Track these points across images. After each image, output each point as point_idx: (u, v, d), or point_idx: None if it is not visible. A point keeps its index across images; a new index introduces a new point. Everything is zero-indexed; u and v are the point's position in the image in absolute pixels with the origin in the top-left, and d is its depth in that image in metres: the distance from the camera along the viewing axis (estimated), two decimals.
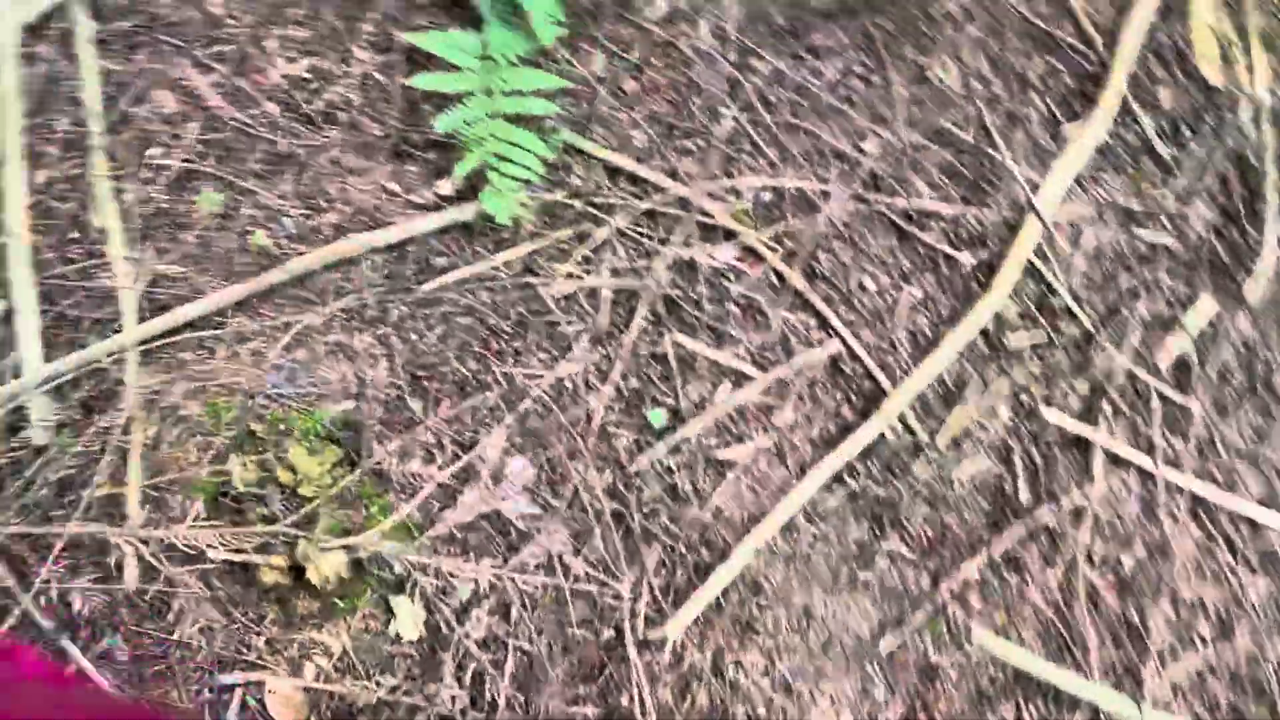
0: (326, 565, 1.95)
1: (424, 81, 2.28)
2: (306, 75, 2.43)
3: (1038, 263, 2.41)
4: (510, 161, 2.28)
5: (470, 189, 2.33)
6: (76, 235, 2.25)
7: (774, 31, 2.58)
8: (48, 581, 1.98)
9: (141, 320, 2.17)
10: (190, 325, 2.18)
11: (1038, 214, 2.41)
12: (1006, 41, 2.61)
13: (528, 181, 2.31)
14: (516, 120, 2.30)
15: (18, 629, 1.96)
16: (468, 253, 2.36)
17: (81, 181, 2.29)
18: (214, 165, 2.34)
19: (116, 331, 2.16)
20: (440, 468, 2.15)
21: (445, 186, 2.41)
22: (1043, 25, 2.61)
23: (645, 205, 2.39)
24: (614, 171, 2.43)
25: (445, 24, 2.43)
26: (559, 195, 2.37)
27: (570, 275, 2.35)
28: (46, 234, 2.24)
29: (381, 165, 2.40)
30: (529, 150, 2.29)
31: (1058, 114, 2.56)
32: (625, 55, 2.52)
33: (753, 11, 2.57)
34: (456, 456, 2.17)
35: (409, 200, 2.38)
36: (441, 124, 2.27)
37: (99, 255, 2.23)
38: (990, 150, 2.50)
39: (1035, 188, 2.46)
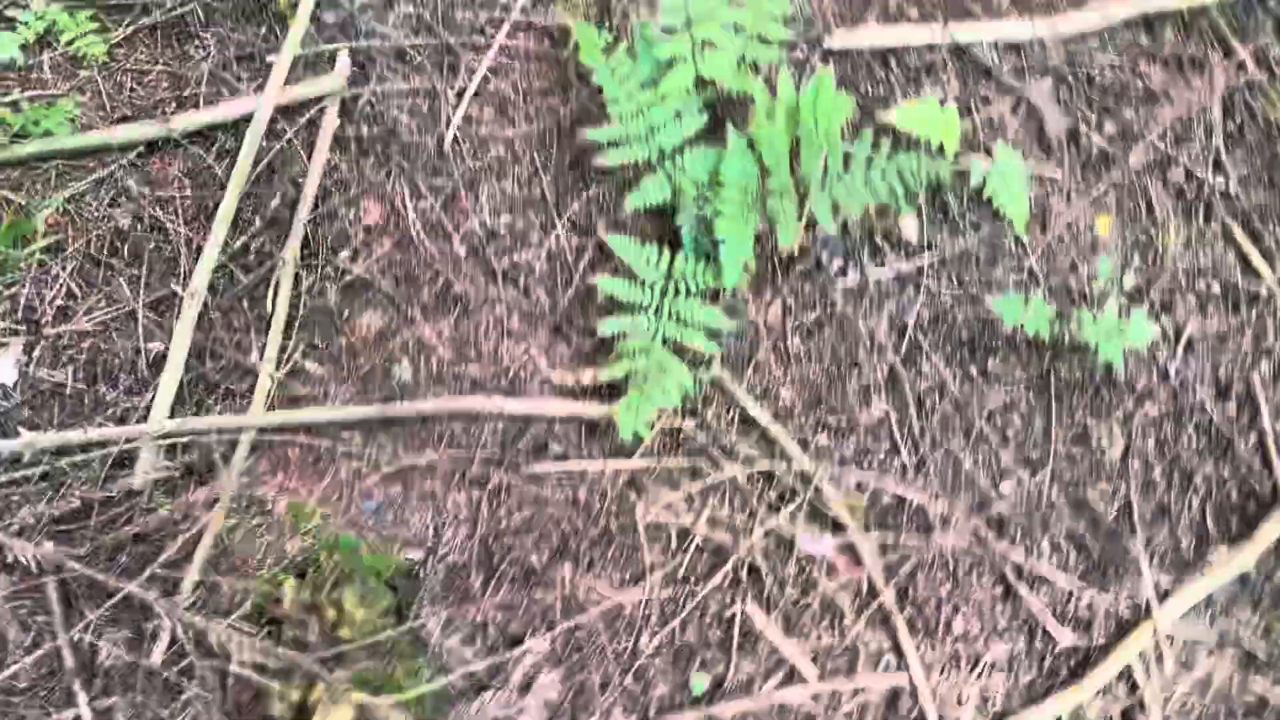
0: (333, 718, 1.95)
1: (605, 283, 2.33)
2: (503, 231, 2.52)
3: (1138, 670, 2.28)
4: (655, 385, 2.29)
5: (609, 388, 2.36)
6: (246, 306, 2.36)
7: (954, 339, 2.55)
8: (88, 626, 2.04)
9: (269, 407, 2.25)
10: (309, 429, 2.25)
11: (1155, 625, 2.28)
12: (1183, 433, 2.51)
13: (664, 407, 2.31)
14: (675, 348, 2.32)
15: (43, 657, 2.02)
16: (583, 448, 2.37)
17: (270, 259, 2.41)
18: (390, 284, 2.44)
19: (243, 410, 2.24)
20: (476, 655, 2.14)
21: (588, 376, 2.44)
22: (1225, 432, 2.50)
23: (766, 466, 2.36)
24: (749, 420, 2.42)
25: (647, 233, 2.49)
26: (689, 425, 2.37)
27: (669, 506, 2.33)
28: (220, 295, 2.35)
29: (538, 336, 2.45)
30: (675, 381, 2.30)
31: (1210, 525, 2.43)
32: (801, 314, 2.52)
33: (937, 313, 2.56)
34: (496, 648, 2.16)
35: (549, 377, 2.42)
36: (605, 326, 2.32)
37: (257, 332, 2.33)
38: (1128, 537, 2.39)
39: (1163, 594, 2.33)
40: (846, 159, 2.37)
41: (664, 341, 2.32)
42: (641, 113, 2.37)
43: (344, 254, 2.46)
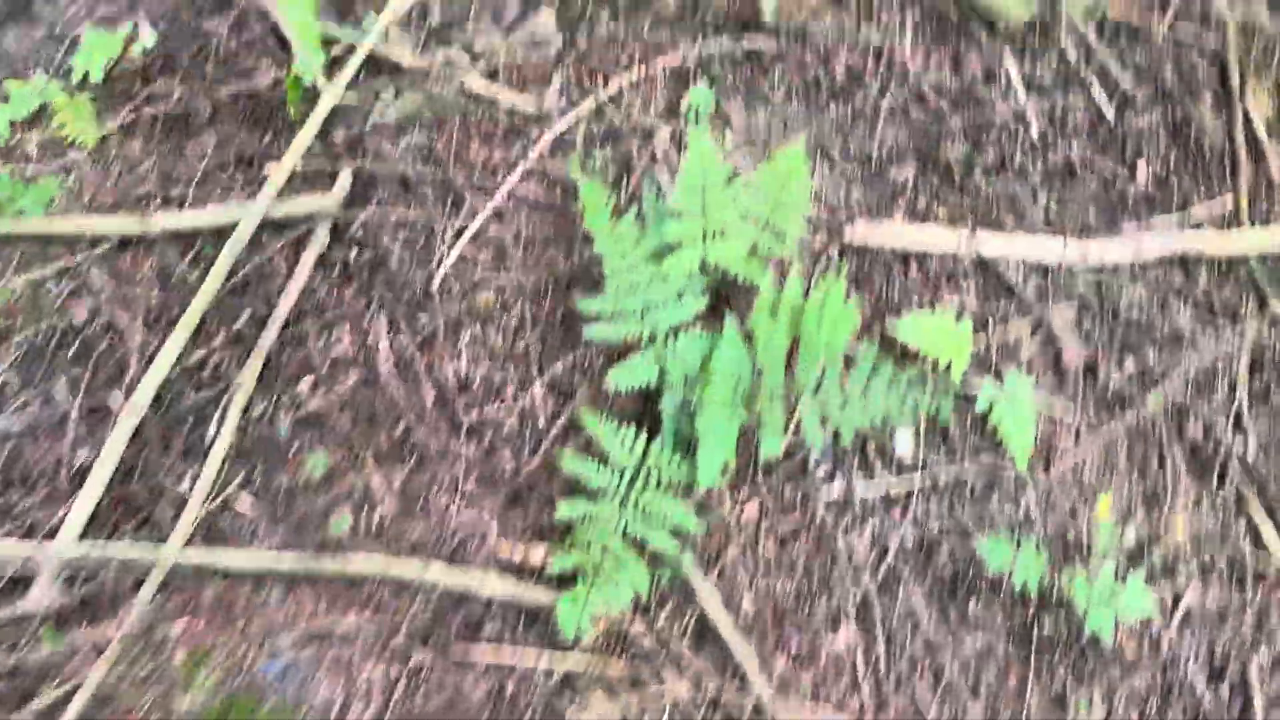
0: None
1: (570, 461, 2.18)
2: (477, 382, 2.38)
3: None
4: (608, 581, 2.12)
5: (558, 577, 2.18)
6: (188, 427, 2.21)
7: (936, 573, 2.37)
8: None
9: (188, 542, 2.08)
10: (227, 574, 2.07)
11: None
12: (1169, 711, 2.31)
13: (612, 607, 2.13)
14: (635, 544, 2.15)
15: None
16: (519, 635, 2.19)
17: (225, 379, 2.26)
18: (347, 423, 2.28)
19: (161, 541, 2.07)
20: None
21: (538, 555, 2.27)
22: (1214, 718, 2.30)
23: (715, 687, 2.17)
24: (705, 627, 2.24)
25: (627, 411, 2.34)
26: (638, 627, 2.18)
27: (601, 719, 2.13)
28: (164, 410, 2.20)
29: (495, 500, 2.29)
30: (630, 581, 2.12)
31: None
32: (778, 519, 2.36)
33: (923, 541, 2.38)
34: None
35: (497, 550, 2.25)
36: (564, 508, 2.15)
37: (194, 457, 2.17)
38: None
39: None
40: (845, 370, 2.23)
41: (625, 535, 2.15)
42: (639, 288, 2.24)
43: (304, 384, 2.31)
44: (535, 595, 2.21)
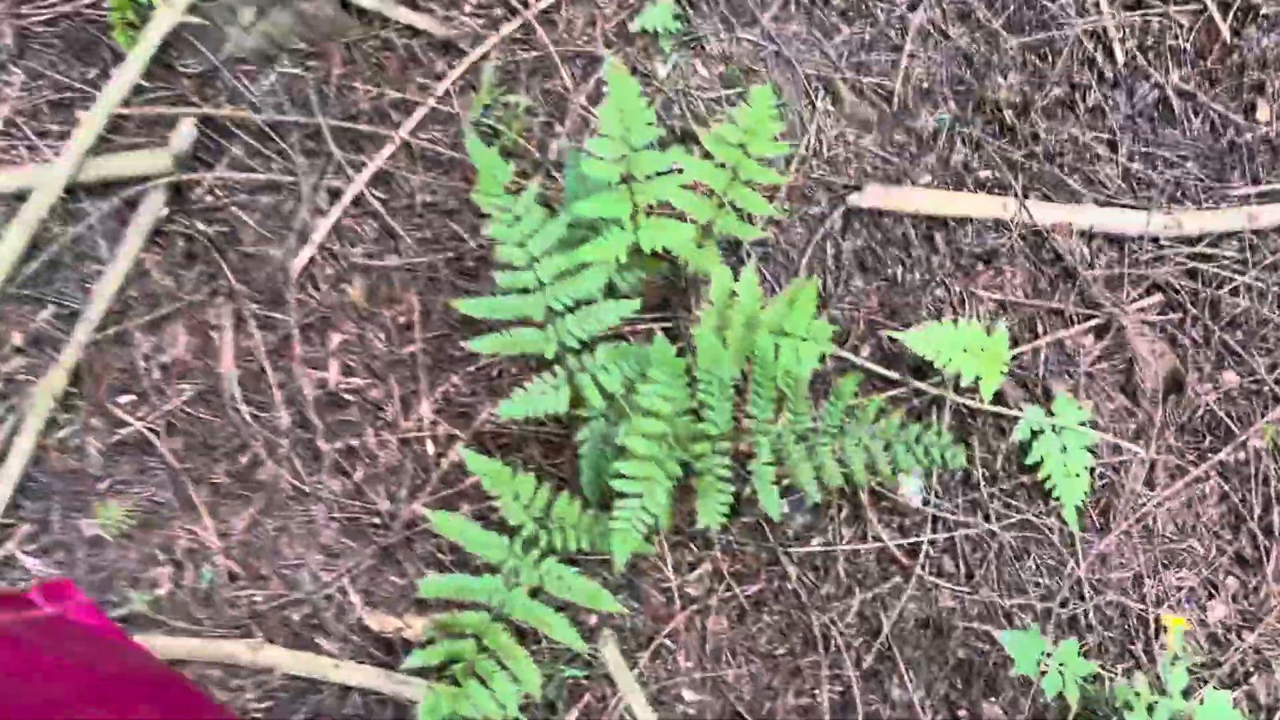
0: None
1: (444, 523, 1.63)
2: (349, 400, 1.83)
3: None
4: (485, 684, 1.58)
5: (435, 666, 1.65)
6: None
7: (943, 661, 1.80)
8: None
9: None
10: None
11: None
12: None
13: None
14: (518, 633, 1.60)
15: None
16: None
17: (20, 390, 1.76)
18: (177, 451, 1.77)
19: None
20: None
21: (416, 628, 1.74)
22: None
23: None
24: None
25: (534, 451, 1.78)
26: None
27: None
28: None
29: (361, 556, 1.77)
30: (517, 679, 1.58)
31: None
32: (736, 584, 1.79)
33: (928, 619, 1.80)
34: None
35: (363, 620, 1.73)
36: (427, 587, 1.61)
37: None
38: None
39: None
40: (817, 404, 1.62)
41: (507, 626, 1.60)
42: (545, 286, 1.64)
43: (125, 399, 1.79)
44: (405, 688, 1.68)
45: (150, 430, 1.79)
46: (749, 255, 1.90)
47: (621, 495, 1.56)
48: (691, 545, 1.81)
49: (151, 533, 1.75)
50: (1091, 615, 1.80)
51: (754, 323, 1.60)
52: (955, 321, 1.79)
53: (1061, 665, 1.65)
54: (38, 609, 1.20)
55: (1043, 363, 1.92)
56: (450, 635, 1.60)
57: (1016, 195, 1.97)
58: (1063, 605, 1.80)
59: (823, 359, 1.72)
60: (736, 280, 1.65)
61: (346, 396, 1.85)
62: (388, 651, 1.74)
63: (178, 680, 1.50)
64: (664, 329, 1.74)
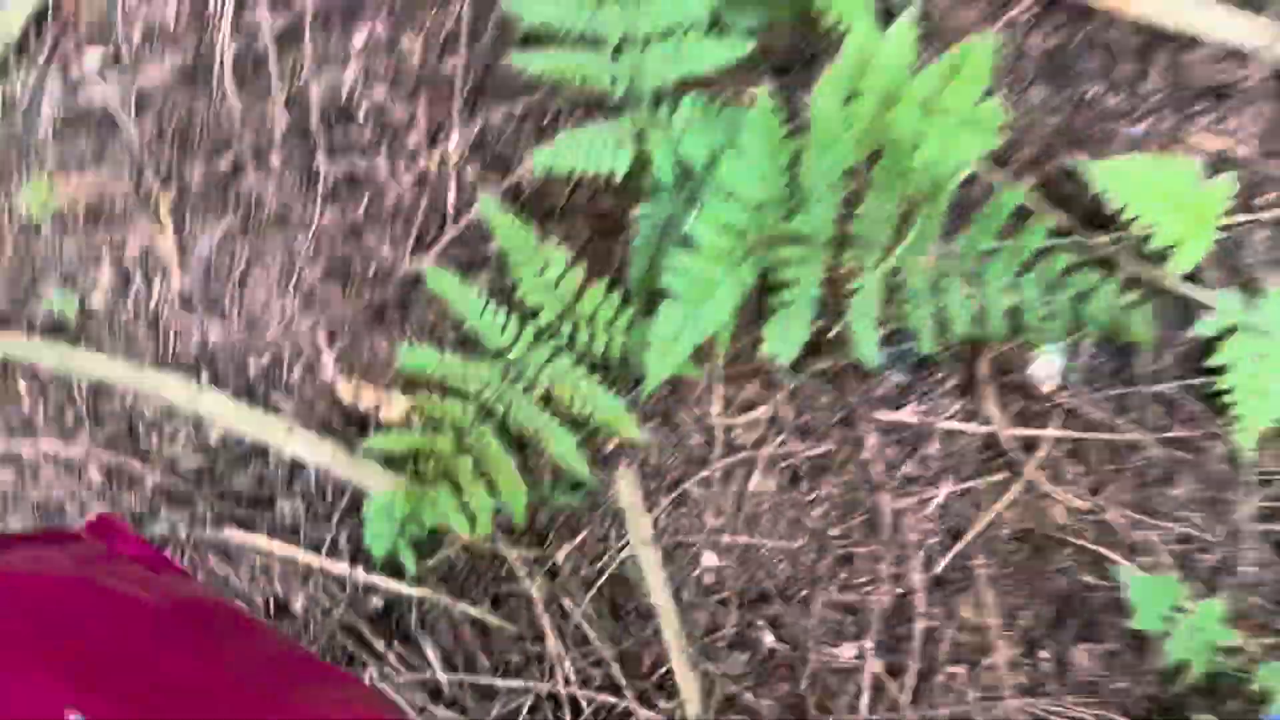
0: None
1: (436, 280, 1.26)
2: (363, 113, 1.44)
3: None
4: (457, 490, 1.24)
5: (401, 456, 1.32)
6: None
7: (1030, 591, 1.41)
8: None
9: None
10: None
11: None
12: None
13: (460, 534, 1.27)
14: (514, 442, 1.25)
15: None
16: (322, 526, 1.36)
17: None
18: (145, 133, 1.41)
19: None
20: None
21: (394, 412, 1.41)
22: None
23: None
24: (620, 599, 1.37)
25: (578, 224, 1.39)
26: (514, 555, 1.33)
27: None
28: None
29: (343, 309, 1.42)
30: (497, 491, 1.24)
31: None
32: (792, 442, 1.41)
33: (1024, 531, 1.41)
34: None
35: (332, 383, 1.39)
36: (404, 358, 1.26)
37: None
38: None
39: None
40: (957, 224, 1.18)
41: (502, 430, 1.24)
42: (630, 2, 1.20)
43: (95, 53, 1.42)
44: (369, 476, 1.36)
45: (107, 102, 1.42)
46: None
47: (672, 297, 1.17)
48: (751, 382, 1.42)
49: (97, 227, 1.41)
50: (1245, 571, 1.38)
51: (895, 96, 1.15)
52: (1163, 161, 1.31)
53: (1197, 629, 1.25)
54: (93, 545, 0.96)
55: (1258, 243, 1.44)
56: (429, 425, 1.25)
57: None
58: (1208, 551, 1.39)
59: (971, 180, 1.28)
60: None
61: (362, 111, 1.45)
62: (360, 431, 1.41)
63: (230, 610, 1.23)
64: (772, 93, 1.30)
